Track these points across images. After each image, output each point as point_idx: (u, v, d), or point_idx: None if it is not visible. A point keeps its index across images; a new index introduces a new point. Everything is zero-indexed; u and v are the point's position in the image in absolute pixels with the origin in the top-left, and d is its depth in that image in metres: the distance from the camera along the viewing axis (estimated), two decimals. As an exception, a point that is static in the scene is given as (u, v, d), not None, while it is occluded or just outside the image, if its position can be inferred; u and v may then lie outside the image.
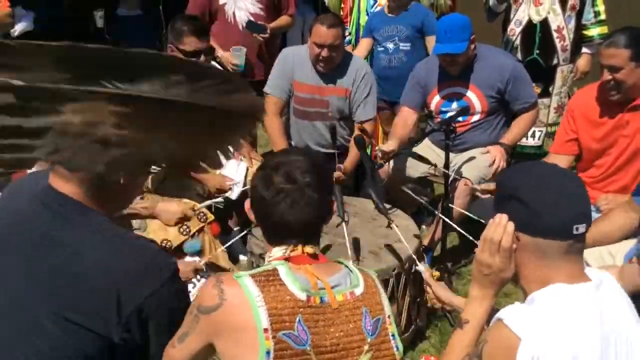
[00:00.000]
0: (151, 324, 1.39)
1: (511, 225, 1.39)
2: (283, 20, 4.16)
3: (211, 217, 2.87)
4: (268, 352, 1.33)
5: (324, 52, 3.40)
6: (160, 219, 2.58)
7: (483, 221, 1.57)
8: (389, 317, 1.49)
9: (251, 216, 1.55)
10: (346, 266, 1.52)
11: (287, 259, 1.45)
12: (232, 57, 3.92)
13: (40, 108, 1.02)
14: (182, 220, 2.62)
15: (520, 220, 1.39)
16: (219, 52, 3.97)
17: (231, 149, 1.17)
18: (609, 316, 1.34)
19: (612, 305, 1.37)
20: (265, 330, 1.33)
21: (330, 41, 3.37)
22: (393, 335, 1.49)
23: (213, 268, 2.74)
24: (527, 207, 1.37)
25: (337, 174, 3.37)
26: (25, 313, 1.37)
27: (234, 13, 3.96)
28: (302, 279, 1.41)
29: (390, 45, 4.07)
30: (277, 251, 1.48)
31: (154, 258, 1.46)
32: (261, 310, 1.34)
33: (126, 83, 1.01)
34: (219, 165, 1.17)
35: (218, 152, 1.18)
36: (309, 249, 1.47)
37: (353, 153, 3.50)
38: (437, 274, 2.60)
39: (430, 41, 4.05)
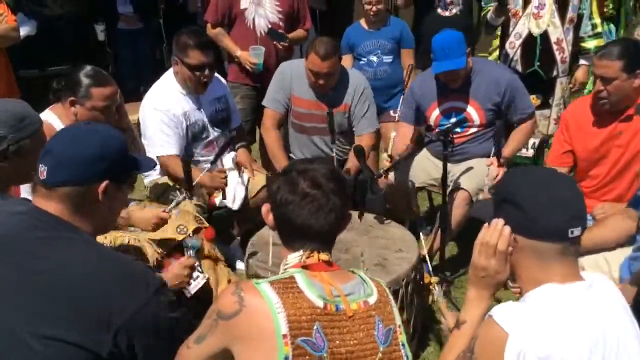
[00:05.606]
0: (139, 337, 1.41)
1: (507, 229, 1.44)
2: (299, 33, 4.22)
3: (205, 223, 2.85)
4: (286, 358, 1.36)
5: (320, 80, 3.44)
6: (139, 228, 2.60)
7: (482, 219, 1.59)
8: (399, 326, 1.53)
9: (269, 219, 1.58)
10: (359, 276, 1.55)
11: (303, 267, 1.48)
12: (251, 56, 3.96)
13: None
14: (159, 225, 2.61)
15: (516, 223, 1.44)
16: (238, 52, 4.02)
17: None
18: (600, 316, 1.38)
19: (603, 305, 1.41)
20: (284, 336, 1.36)
21: (325, 71, 3.41)
22: (403, 344, 1.52)
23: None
24: (523, 211, 1.42)
25: None
26: (9, 333, 1.37)
27: (253, 19, 4.00)
28: (318, 287, 1.45)
29: (374, 59, 4.14)
30: (293, 258, 1.51)
31: (140, 274, 1.50)
32: (280, 317, 1.37)
33: None
34: None
35: None
36: (324, 256, 1.51)
37: (353, 161, 3.51)
38: (436, 279, 2.64)
39: (405, 54, 4.19)
